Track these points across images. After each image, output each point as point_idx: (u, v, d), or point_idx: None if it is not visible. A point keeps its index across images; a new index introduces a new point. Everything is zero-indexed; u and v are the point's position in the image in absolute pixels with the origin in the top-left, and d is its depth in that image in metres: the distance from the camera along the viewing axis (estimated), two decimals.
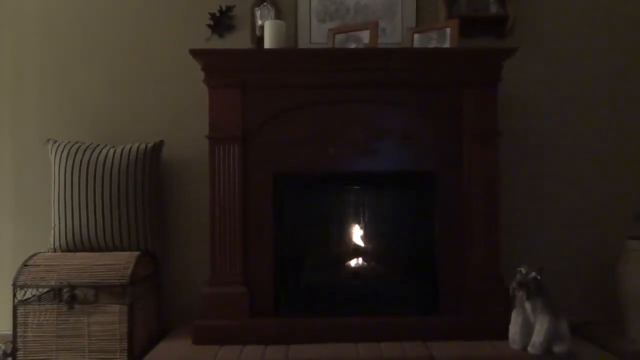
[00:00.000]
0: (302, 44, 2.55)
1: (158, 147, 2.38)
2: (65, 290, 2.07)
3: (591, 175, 2.57)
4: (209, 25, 2.53)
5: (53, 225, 2.30)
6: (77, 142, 2.36)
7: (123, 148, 2.33)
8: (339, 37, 2.41)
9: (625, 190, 2.56)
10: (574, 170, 2.56)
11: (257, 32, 2.47)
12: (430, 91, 2.22)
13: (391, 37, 2.55)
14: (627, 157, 2.57)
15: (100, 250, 2.26)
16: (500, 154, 2.23)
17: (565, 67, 2.58)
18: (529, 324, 1.97)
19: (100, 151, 2.32)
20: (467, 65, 2.21)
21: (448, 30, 2.33)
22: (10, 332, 2.10)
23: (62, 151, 2.32)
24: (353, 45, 2.37)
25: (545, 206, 2.55)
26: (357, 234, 2.43)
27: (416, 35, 2.40)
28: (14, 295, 2.08)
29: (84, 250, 2.26)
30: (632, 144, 2.58)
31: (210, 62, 2.19)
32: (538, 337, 1.92)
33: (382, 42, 2.46)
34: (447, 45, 2.32)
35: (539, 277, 1.93)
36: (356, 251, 2.40)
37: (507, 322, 2.02)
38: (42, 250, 2.28)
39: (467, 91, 2.20)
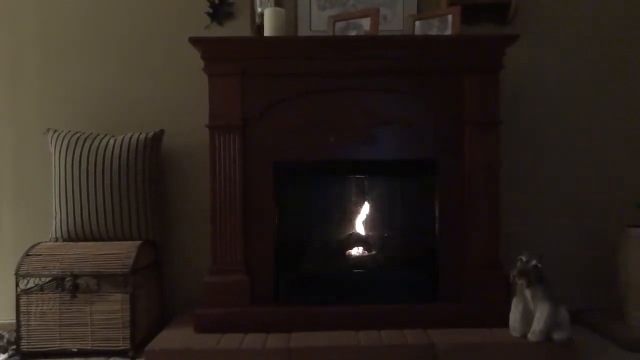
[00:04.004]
0: (302, 31, 2.53)
1: (158, 136, 2.38)
2: (67, 279, 2.09)
3: (592, 163, 2.56)
4: (208, 13, 2.51)
5: (54, 214, 2.30)
6: (77, 132, 2.35)
7: (123, 137, 2.33)
8: (339, 24, 2.39)
9: (626, 178, 2.55)
10: (575, 158, 2.56)
11: (257, 20, 2.44)
12: (432, 78, 2.20)
13: (392, 24, 2.53)
14: (627, 145, 2.56)
15: (101, 239, 2.27)
16: (501, 142, 2.22)
17: (567, 54, 2.56)
18: (529, 312, 1.97)
19: (101, 141, 2.32)
20: (469, 53, 2.19)
21: (450, 17, 2.31)
22: (14, 321, 2.12)
23: (62, 141, 2.31)
24: (354, 33, 2.35)
25: (545, 194, 2.55)
26: (357, 222, 2.43)
27: (417, 23, 2.38)
28: (17, 285, 2.09)
29: (85, 239, 2.27)
30: (633, 131, 2.56)
31: (210, 50, 2.17)
32: (538, 324, 1.93)
33: (383, 30, 2.44)
34: (448, 32, 2.30)
35: (539, 265, 1.93)
36: (357, 239, 2.41)
37: (508, 309, 2.03)
38: (44, 240, 2.29)
39: (469, 78, 2.19)
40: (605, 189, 2.55)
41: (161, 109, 2.51)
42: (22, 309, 2.09)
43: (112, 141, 2.32)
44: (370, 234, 2.42)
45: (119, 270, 2.08)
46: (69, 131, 2.35)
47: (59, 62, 2.53)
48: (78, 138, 2.32)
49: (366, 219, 2.43)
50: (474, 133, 2.19)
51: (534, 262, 1.93)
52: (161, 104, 2.52)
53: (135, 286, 2.09)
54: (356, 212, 2.44)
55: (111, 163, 2.27)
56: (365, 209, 2.44)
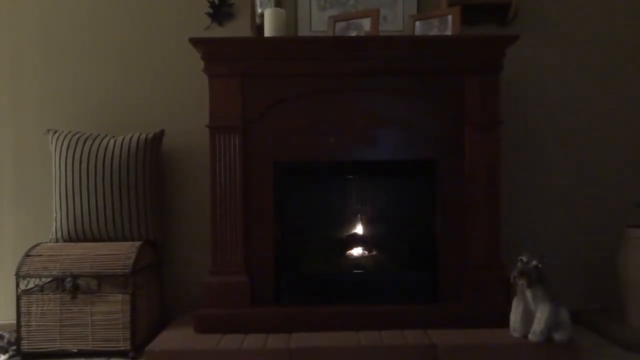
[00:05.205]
0: (303, 32, 2.53)
1: (158, 136, 2.38)
2: (67, 280, 2.09)
3: (592, 163, 2.56)
4: (208, 14, 2.51)
5: (55, 215, 2.30)
6: (77, 133, 2.35)
7: (123, 138, 2.33)
8: (339, 25, 2.39)
9: (626, 178, 2.55)
10: (575, 158, 2.56)
11: (257, 20, 2.44)
12: (432, 79, 2.21)
13: (392, 24, 2.53)
14: (627, 145, 2.56)
15: (102, 240, 2.27)
16: (502, 142, 2.22)
17: (568, 55, 2.55)
18: (529, 312, 1.97)
19: (101, 141, 2.32)
20: (469, 53, 2.19)
21: (450, 17, 2.31)
22: (14, 322, 2.12)
23: (63, 141, 2.31)
24: (354, 33, 2.35)
25: (546, 194, 2.55)
26: (357, 223, 2.43)
27: (418, 23, 2.38)
28: (17, 285, 2.09)
29: (85, 240, 2.27)
30: (633, 131, 2.56)
31: (210, 50, 2.17)
32: (539, 325, 1.93)
33: (384, 30, 2.44)
34: (448, 32, 2.30)
35: (539, 266, 1.93)
36: (357, 240, 2.41)
37: (508, 310, 2.03)
38: (44, 241, 2.29)
39: (469, 79, 2.19)
40: (605, 189, 2.55)
41: (161, 109, 2.51)
42: (23, 309, 2.09)
43: (112, 142, 2.32)
44: (370, 234, 2.42)
45: (119, 270, 2.08)
46: (70, 132, 2.35)
47: (59, 62, 2.53)
48: (78, 139, 2.32)
49: (366, 220, 2.43)
50: (474, 133, 2.19)
51: (534, 263, 1.93)
52: (161, 105, 2.52)
53: (136, 287, 2.09)
54: (356, 213, 2.44)
55: (111, 163, 2.27)
56: (365, 209, 2.43)
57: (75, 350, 2.08)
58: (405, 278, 2.27)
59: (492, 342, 1.98)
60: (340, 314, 2.13)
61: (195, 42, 2.16)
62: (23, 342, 2.09)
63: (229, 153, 2.18)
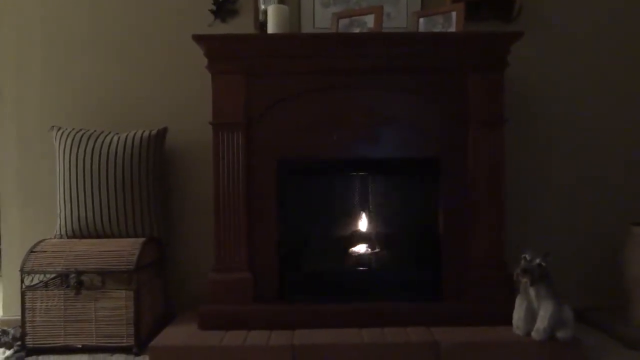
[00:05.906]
0: (306, 28, 2.53)
1: (162, 133, 2.38)
2: (72, 276, 2.10)
3: (595, 160, 2.54)
4: (211, 11, 2.50)
5: (59, 212, 2.31)
6: (81, 129, 2.36)
7: (127, 135, 2.33)
8: (342, 21, 2.38)
9: (630, 176, 2.54)
10: (578, 156, 2.54)
11: (261, 17, 2.44)
12: (436, 76, 2.20)
13: (396, 21, 2.52)
14: (631, 143, 2.55)
15: (106, 236, 2.28)
16: (505, 140, 2.21)
17: (573, 52, 2.54)
18: (532, 310, 1.97)
19: (105, 138, 2.33)
20: (473, 50, 2.18)
21: (454, 14, 2.30)
22: (19, 317, 2.13)
23: (67, 138, 2.32)
24: (357, 30, 2.35)
25: (549, 192, 2.54)
26: (361, 221, 2.43)
27: (421, 20, 2.37)
28: (22, 281, 2.11)
29: (89, 236, 2.28)
30: (637, 129, 2.55)
31: (213, 47, 2.17)
32: (542, 323, 1.92)
33: (387, 27, 2.43)
34: (452, 29, 2.29)
35: (543, 264, 1.92)
36: (360, 238, 2.41)
37: (511, 308, 2.02)
38: (49, 237, 2.30)
39: (473, 76, 2.18)
40: (609, 187, 2.54)
41: (165, 106, 2.52)
42: (27, 305, 2.10)
43: (116, 138, 2.32)
44: (374, 232, 2.42)
45: (123, 267, 2.09)
46: (73, 129, 2.36)
47: (63, 60, 2.53)
48: (82, 135, 2.32)
49: (369, 217, 2.43)
50: (477, 131, 2.19)
51: (537, 261, 1.93)
52: (165, 102, 2.52)
53: (140, 283, 2.10)
54: (359, 210, 2.43)
55: (115, 160, 2.28)
56: (369, 207, 2.43)
57: (80, 346, 2.09)
58: (408, 276, 2.27)
59: (495, 339, 1.98)
60: (344, 311, 2.13)
61: (199, 39, 2.15)
62: (27, 337, 2.10)
63: (232, 150, 2.18)
